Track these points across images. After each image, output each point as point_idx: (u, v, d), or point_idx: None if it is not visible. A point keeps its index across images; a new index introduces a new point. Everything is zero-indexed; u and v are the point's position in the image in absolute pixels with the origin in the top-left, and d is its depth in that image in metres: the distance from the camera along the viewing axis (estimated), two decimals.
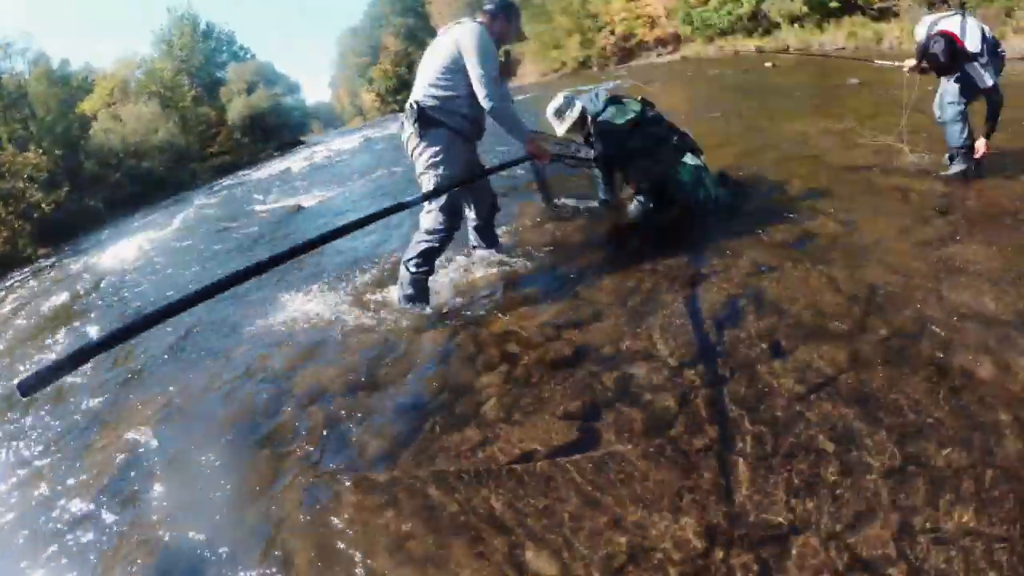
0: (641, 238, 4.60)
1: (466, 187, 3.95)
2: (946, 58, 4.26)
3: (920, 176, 4.91)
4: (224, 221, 11.58)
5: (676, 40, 37.76)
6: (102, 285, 8.32)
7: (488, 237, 4.51)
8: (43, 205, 22.39)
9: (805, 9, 27.27)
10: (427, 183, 3.76)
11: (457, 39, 3.63)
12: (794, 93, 11.16)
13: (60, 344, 5.74)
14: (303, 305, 4.50)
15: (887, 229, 3.91)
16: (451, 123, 3.70)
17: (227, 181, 26.18)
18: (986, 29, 4.42)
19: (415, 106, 3.68)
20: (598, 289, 3.70)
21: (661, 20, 39.45)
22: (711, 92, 12.91)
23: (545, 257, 4.43)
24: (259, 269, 2.48)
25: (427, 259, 3.84)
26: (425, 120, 3.65)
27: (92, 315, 6.73)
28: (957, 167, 4.68)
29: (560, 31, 47.51)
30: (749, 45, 28.96)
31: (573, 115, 4.77)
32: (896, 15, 22.27)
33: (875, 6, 24.78)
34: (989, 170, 4.62)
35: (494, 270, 4.31)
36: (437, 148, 3.68)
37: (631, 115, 4.66)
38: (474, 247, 4.55)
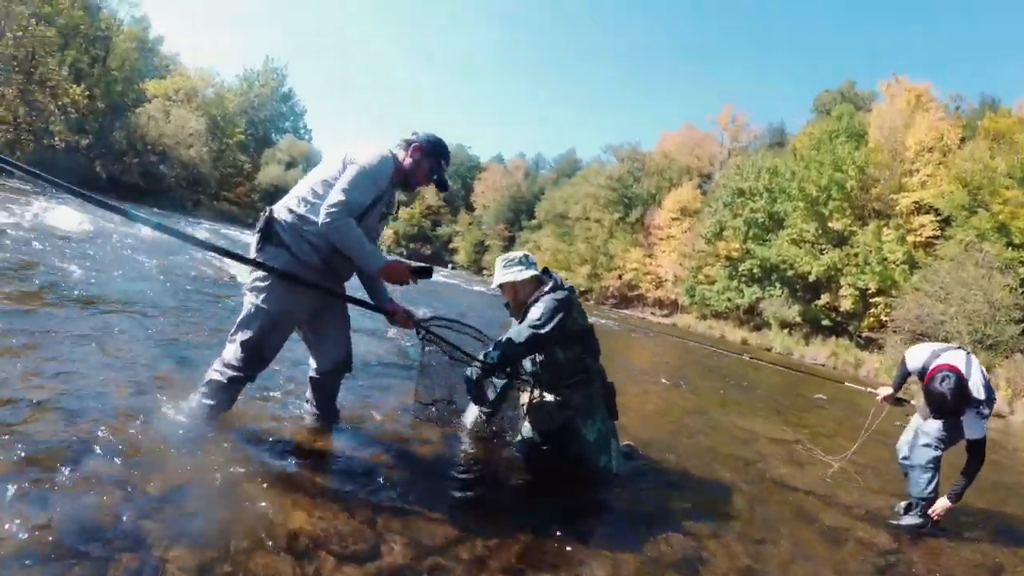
0: (504, 487, 3.56)
1: (310, 325, 3.16)
2: (954, 401, 3.57)
3: (864, 519, 4.02)
4: (169, 255, 10.41)
5: (674, 306, 39.26)
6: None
7: (324, 400, 3.50)
8: (55, 138, 21.52)
9: (798, 319, 28.42)
10: (246, 304, 2.91)
11: (351, 153, 2.95)
12: (758, 390, 10.65)
13: None
14: None
15: None
16: (295, 248, 2.87)
17: (223, 228, 25.47)
18: (984, 372, 3.83)
19: (268, 212, 2.91)
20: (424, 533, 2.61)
21: (667, 284, 41.41)
22: (679, 362, 12.55)
23: (378, 457, 3.34)
24: None
25: (216, 393, 2.90)
26: (268, 234, 2.86)
27: None
28: (912, 520, 3.95)
29: (576, 256, 50.01)
30: (737, 335, 29.69)
31: (527, 273, 3.59)
32: (880, 347, 22.99)
33: (863, 335, 25.83)
34: (945, 528, 3.97)
35: (304, 439, 3.25)
36: (266, 273, 2.84)
37: (589, 323, 3.77)
38: (307, 401, 3.56)
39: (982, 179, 22.57)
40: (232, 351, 2.88)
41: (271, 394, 3.87)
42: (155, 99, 40.15)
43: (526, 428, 3.77)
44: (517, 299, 3.62)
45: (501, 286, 3.63)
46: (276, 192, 50.77)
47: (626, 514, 3.35)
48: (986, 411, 3.69)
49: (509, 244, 70.51)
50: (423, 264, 3.07)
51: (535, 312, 3.37)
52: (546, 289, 3.51)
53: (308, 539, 2.28)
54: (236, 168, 50.02)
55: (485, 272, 71.23)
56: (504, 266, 3.64)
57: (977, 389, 3.65)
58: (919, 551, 3.67)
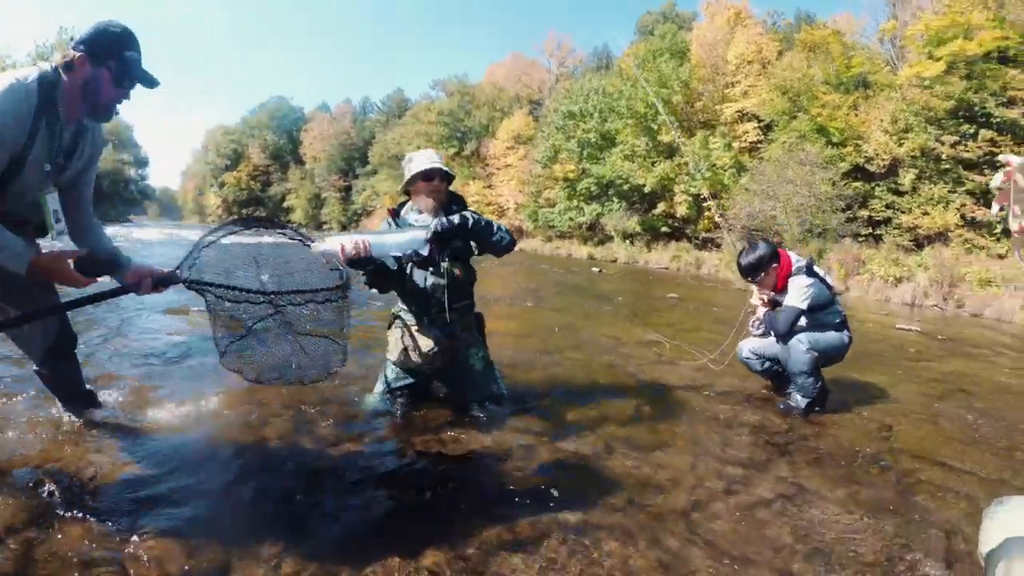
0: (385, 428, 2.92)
1: None
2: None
3: (748, 404, 3.86)
4: None
5: (519, 233, 39.51)
6: None
7: (66, 388, 2.65)
8: None
9: (638, 229, 29.66)
10: None
11: None
12: (615, 299, 10.69)
13: None
14: None
15: (706, 474, 2.61)
16: None
17: None
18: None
19: None
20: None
21: (509, 212, 41.56)
22: (534, 284, 12.37)
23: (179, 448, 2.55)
24: None
25: None
26: None
27: None
28: (801, 400, 3.82)
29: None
30: (583, 251, 30.51)
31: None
32: (718, 246, 24.65)
33: (700, 236, 27.52)
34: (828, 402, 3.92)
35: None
36: None
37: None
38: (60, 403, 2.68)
39: (800, 86, 24.29)
40: None
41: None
42: None
43: (393, 371, 3.21)
44: (441, 197, 3.13)
45: (440, 173, 3.09)
46: None
47: (509, 444, 2.86)
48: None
49: (346, 194, 67.45)
50: (91, 257, 2.15)
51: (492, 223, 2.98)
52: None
53: None
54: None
55: (326, 227, 68.02)
56: (439, 156, 3.16)
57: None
58: (810, 426, 3.53)
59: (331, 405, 3.25)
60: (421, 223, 2.99)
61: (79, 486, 2.17)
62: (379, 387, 3.27)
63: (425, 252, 2.81)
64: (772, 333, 3.88)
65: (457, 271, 3.09)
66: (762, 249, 3.81)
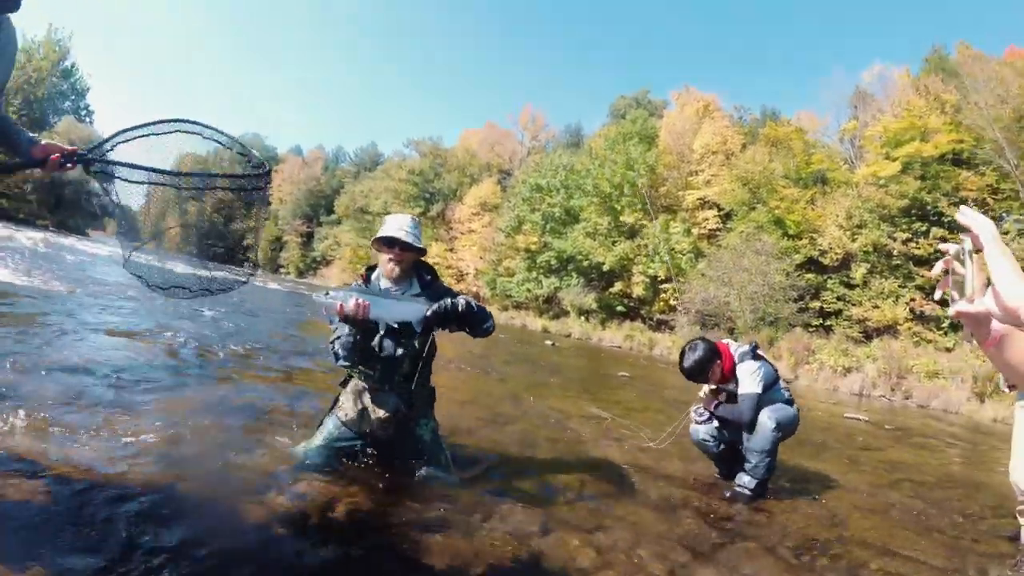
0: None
1: None
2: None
3: (694, 488, 3.76)
4: None
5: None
6: None
7: None
8: None
9: (595, 306, 29.97)
10: None
11: None
12: (565, 372, 10.63)
13: None
14: None
15: (649, 558, 2.47)
16: None
17: None
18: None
19: None
20: None
21: (468, 277, 41.65)
22: (485, 351, 12.25)
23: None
24: None
25: None
26: None
27: None
28: (748, 483, 3.73)
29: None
30: (538, 323, 30.57)
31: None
32: (672, 328, 25.02)
33: (654, 317, 27.92)
34: (775, 488, 3.89)
35: None
36: None
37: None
38: None
39: (761, 179, 25.48)
40: None
41: None
42: None
43: (338, 428, 3.03)
44: (403, 266, 3.03)
45: (400, 243, 2.98)
46: (52, 184, 43.10)
47: (444, 516, 2.68)
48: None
49: (307, 240, 66.77)
50: None
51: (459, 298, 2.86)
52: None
53: None
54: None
55: (282, 271, 66.87)
56: (413, 225, 3.07)
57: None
58: (755, 513, 3.45)
59: (262, 449, 3.04)
60: (409, 295, 2.95)
61: None
62: (318, 440, 3.07)
63: (419, 328, 2.77)
64: (725, 423, 3.84)
65: (427, 346, 3.04)
66: (700, 350, 3.79)
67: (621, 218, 30.97)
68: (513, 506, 2.91)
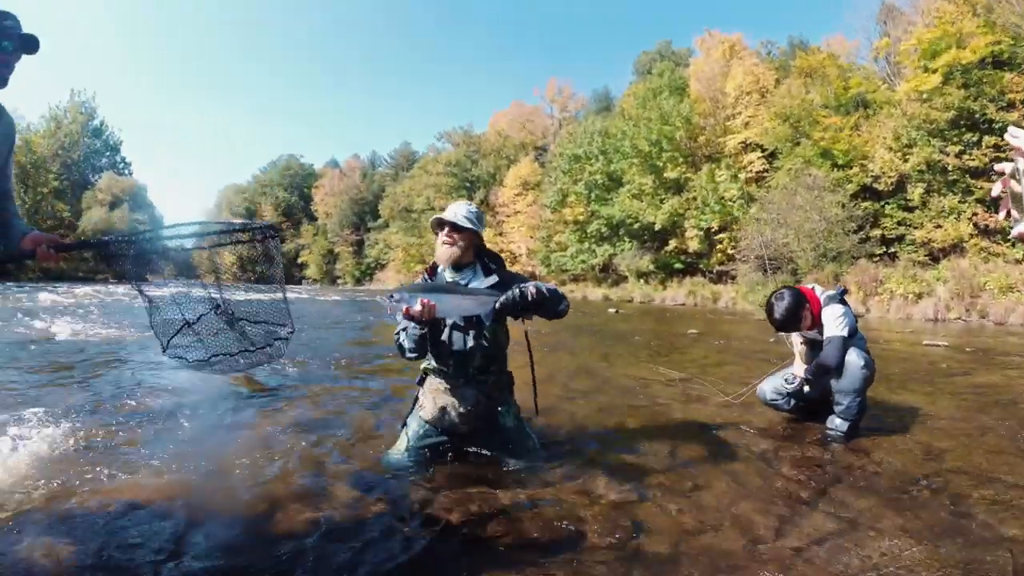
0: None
1: None
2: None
3: (785, 438, 3.70)
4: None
5: (532, 277, 39.56)
6: None
7: None
8: None
9: (652, 267, 29.65)
10: None
11: None
12: (634, 338, 10.59)
13: None
14: None
15: (753, 514, 2.49)
16: None
17: (42, 290, 22.00)
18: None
19: None
20: None
21: (521, 258, 41.74)
22: (549, 329, 12.28)
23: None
24: None
25: None
26: None
27: None
28: (842, 425, 3.67)
29: (427, 248, 49.22)
30: (598, 293, 30.46)
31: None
32: (733, 278, 24.54)
33: (714, 270, 27.45)
34: (866, 427, 3.77)
35: None
36: None
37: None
38: None
39: (800, 112, 24.51)
40: None
41: None
42: None
43: (421, 428, 3.12)
44: (458, 249, 3.00)
45: (449, 224, 2.98)
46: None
47: (543, 496, 2.75)
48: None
49: (359, 248, 68.15)
50: None
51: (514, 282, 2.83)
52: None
53: None
54: (56, 219, 44.13)
55: (339, 282, 68.42)
56: (467, 210, 3.04)
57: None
58: (853, 455, 3.38)
59: (353, 461, 3.15)
60: (483, 285, 2.95)
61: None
62: (401, 443, 3.13)
63: (488, 321, 2.77)
64: (818, 378, 3.76)
65: (499, 335, 3.06)
66: (788, 298, 3.71)
67: (664, 175, 30.39)
68: (606, 479, 2.93)
